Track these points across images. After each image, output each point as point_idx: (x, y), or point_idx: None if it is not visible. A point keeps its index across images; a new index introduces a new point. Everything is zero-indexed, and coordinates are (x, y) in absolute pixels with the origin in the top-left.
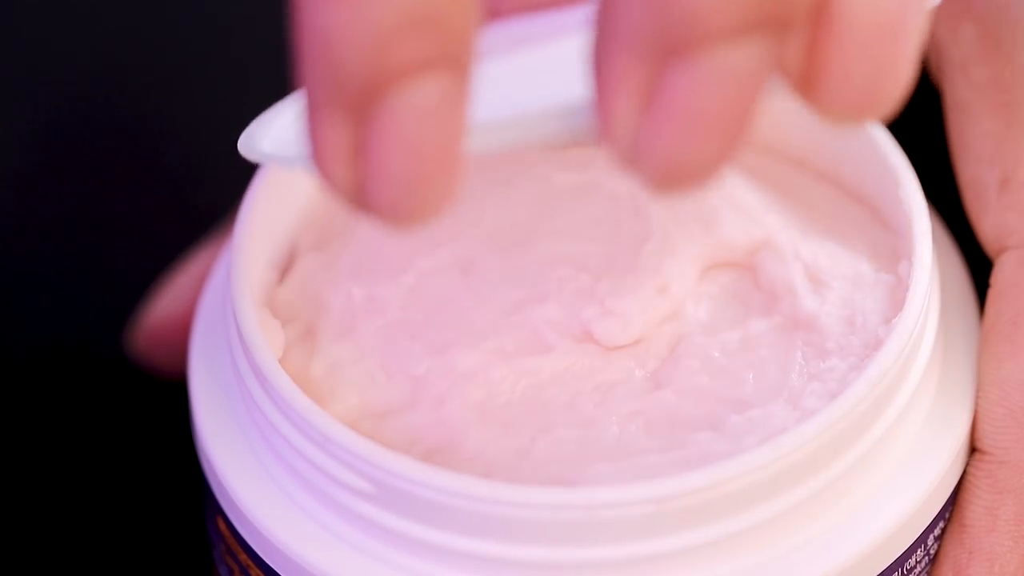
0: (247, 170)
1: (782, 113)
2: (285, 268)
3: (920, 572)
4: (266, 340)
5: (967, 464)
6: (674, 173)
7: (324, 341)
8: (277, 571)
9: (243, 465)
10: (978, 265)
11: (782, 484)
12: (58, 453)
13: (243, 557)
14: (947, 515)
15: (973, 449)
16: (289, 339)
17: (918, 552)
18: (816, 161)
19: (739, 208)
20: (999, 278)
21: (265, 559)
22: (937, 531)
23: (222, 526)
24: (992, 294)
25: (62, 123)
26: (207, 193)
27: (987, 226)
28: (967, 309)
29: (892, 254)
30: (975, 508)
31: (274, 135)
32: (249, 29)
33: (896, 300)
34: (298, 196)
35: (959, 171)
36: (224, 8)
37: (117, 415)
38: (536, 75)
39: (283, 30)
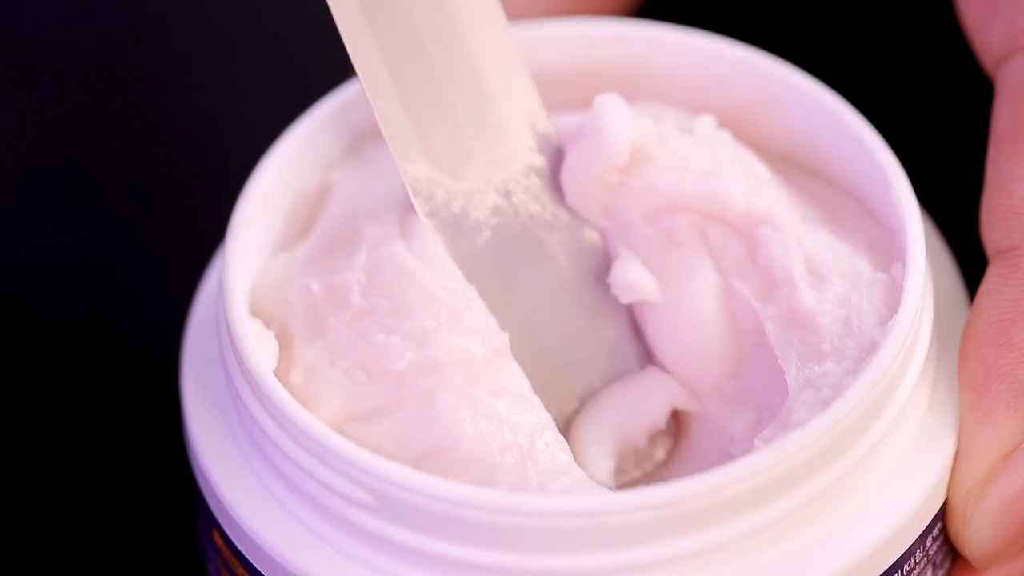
0: (247, 170)
1: (772, 112)
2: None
3: (920, 574)
4: (260, 352)
5: (985, 272)
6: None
7: (297, 345)
8: None
9: (239, 479)
10: (972, 266)
11: (781, 488)
12: (53, 457)
13: (240, 571)
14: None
15: (990, 255)
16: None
17: (917, 554)
18: (807, 161)
19: (749, 173)
20: (1010, 80)
21: (264, 573)
22: (936, 532)
23: (218, 540)
24: (1002, 98)
25: (64, 122)
26: (208, 192)
27: (995, 32)
28: (960, 310)
29: (887, 251)
30: (999, 304)
31: None
32: (254, 30)
33: (891, 301)
34: (287, 206)
35: None
36: (227, 8)
37: (110, 419)
38: None
39: (287, 32)
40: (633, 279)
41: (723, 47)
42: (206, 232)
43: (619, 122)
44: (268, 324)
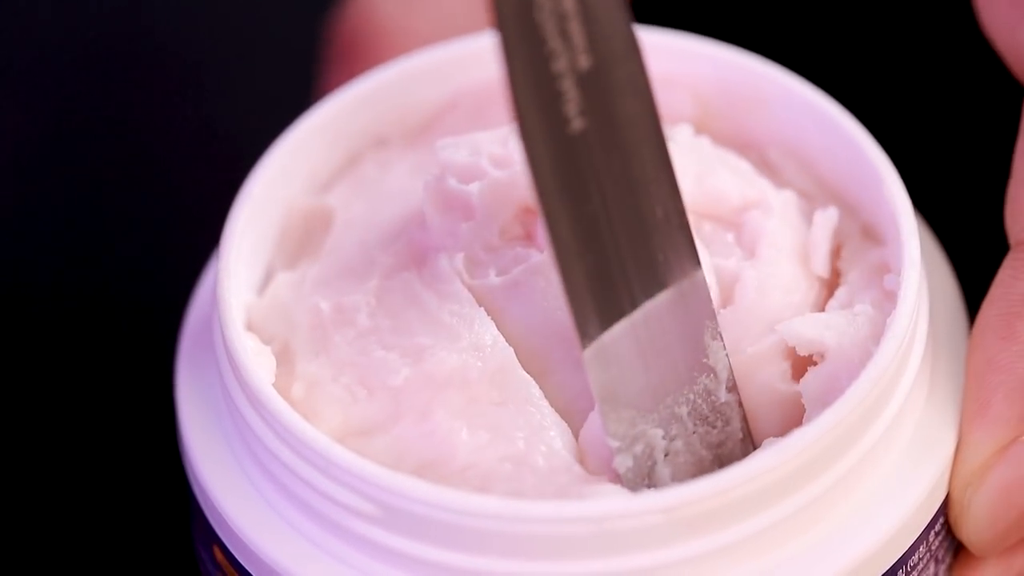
0: (245, 168)
1: (761, 112)
2: (263, 289)
3: (923, 569)
4: (259, 367)
5: (1002, 263)
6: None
7: (300, 361)
8: None
9: (239, 492)
10: (966, 267)
11: (789, 487)
12: (45, 469)
13: None
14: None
15: (1012, 245)
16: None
17: (920, 549)
18: (796, 161)
19: (736, 170)
20: None
21: None
22: (938, 527)
23: (219, 555)
24: None
25: (62, 123)
26: (208, 193)
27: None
28: (954, 306)
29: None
30: (1009, 297)
31: None
32: (250, 29)
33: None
34: (278, 218)
35: None
36: (225, 8)
37: (105, 427)
38: None
39: (290, 31)
40: None
41: (709, 48)
42: (206, 234)
43: None
44: (267, 341)
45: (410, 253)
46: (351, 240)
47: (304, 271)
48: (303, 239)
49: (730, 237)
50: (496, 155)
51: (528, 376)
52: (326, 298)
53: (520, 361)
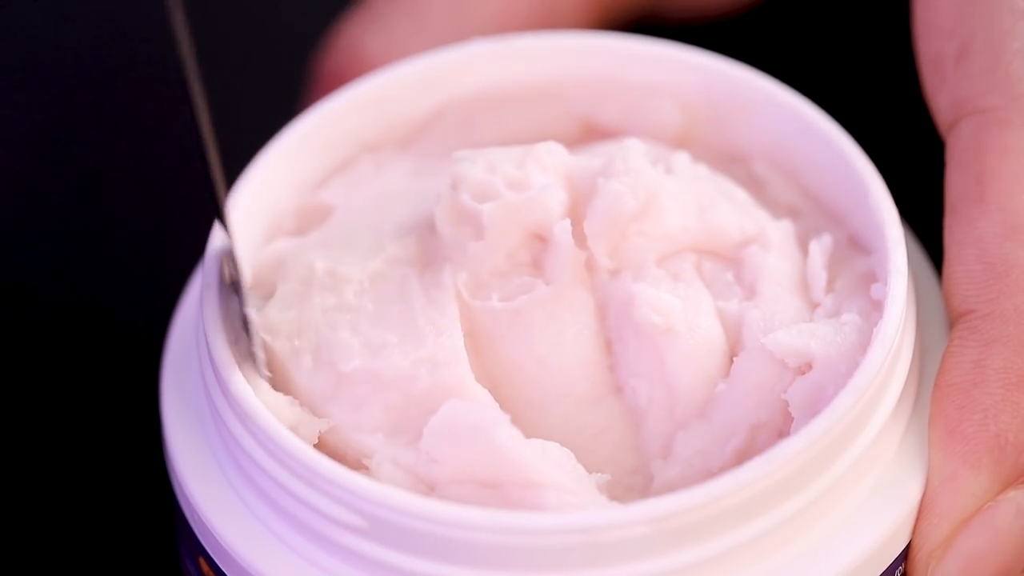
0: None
1: (746, 121)
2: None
3: None
4: (244, 379)
5: (951, 334)
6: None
7: (272, 308)
8: None
9: (225, 505)
10: None
11: (778, 497)
12: (36, 469)
13: None
14: None
15: (952, 319)
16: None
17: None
18: (782, 171)
19: (733, 200)
20: (956, 147)
21: None
22: None
23: (204, 567)
24: (951, 165)
25: (62, 123)
26: (195, 200)
27: (943, 99)
28: (942, 319)
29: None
30: (962, 365)
31: None
32: (250, 28)
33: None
34: (265, 226)
35: (920, 50)
36: (226, 9)
37: (92, 434)
38: None
39: (290, 31)
40: (664, 304)
41: (694, 56)
42: (194, 244)
43: (649, 171)
44: (263, 296)
45: (419, 251)
46: (360, 221)
47: (309, 234)
48: (297, 231)
49: (730, 276)
50: (511, 177)
51: (481, 388)
52: (324, 259)
53: (517, 391)
